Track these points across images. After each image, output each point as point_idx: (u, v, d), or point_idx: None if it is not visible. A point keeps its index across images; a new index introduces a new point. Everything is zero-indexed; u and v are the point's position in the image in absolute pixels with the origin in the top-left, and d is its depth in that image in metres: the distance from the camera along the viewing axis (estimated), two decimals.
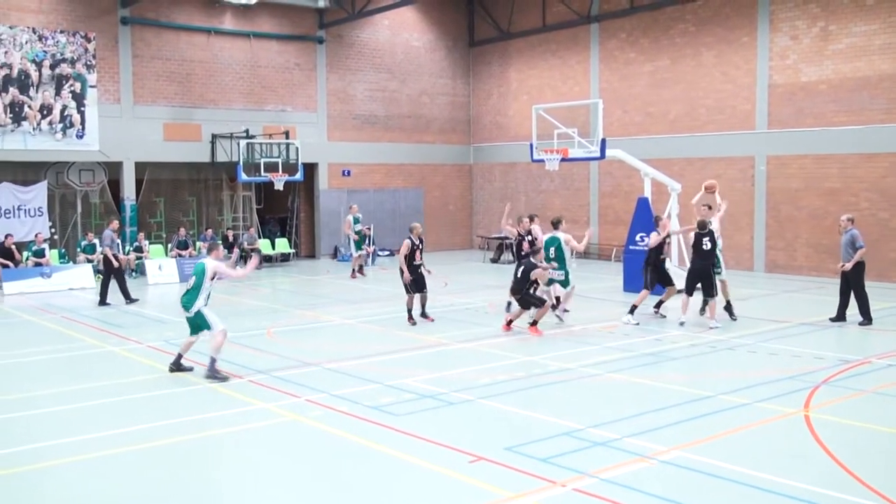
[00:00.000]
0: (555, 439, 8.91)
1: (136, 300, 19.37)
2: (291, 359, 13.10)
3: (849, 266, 15.57)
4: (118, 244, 20.35)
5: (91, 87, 25.07)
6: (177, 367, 12.18)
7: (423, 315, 16.30)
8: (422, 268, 16.07)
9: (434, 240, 31.87)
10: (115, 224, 20.29)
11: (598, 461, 8.24)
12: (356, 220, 24.54)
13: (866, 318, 15.47)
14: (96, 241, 24.39)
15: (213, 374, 11.72)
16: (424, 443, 8.85)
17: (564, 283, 16.21)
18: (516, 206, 30.40)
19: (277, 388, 11.23)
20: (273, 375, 11.93)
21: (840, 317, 15.90)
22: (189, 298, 11.91)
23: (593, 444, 8.75)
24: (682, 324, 15.50)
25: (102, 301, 18.96)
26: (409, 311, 16.07)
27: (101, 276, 19.56)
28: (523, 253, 16.12)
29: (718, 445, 8.72)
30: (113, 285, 19.07)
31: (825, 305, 18.10)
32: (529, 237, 16.52)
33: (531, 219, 17.06)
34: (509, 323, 15.22)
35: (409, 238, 16.04)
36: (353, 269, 24.11)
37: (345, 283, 22.87)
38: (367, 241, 27.14)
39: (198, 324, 12.01)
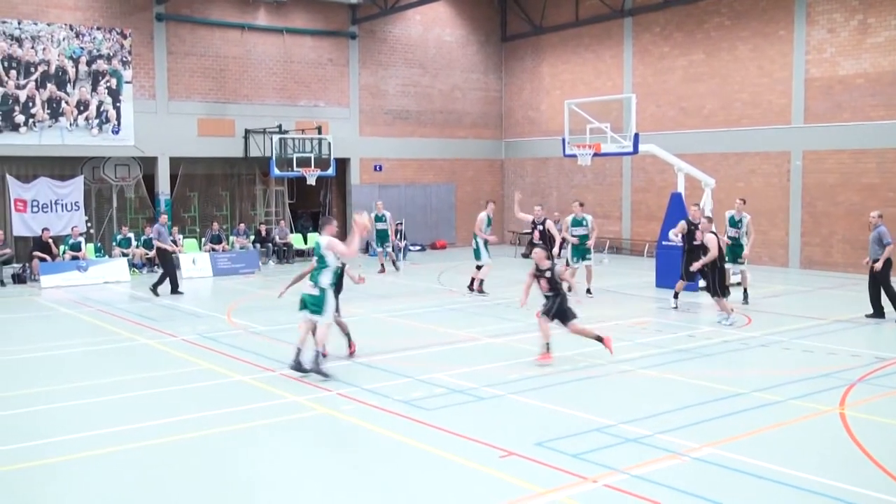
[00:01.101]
0: (585, 435, 8.89)
1: (183, 293, 19.83)
2: None
3: (879, 265, 15.36)
4: (166, 236, 20.98)
5: (126, 82, 25.36)
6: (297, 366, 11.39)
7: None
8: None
9: (465, 235, 31.84)
10: (164, 218, 21.44)
11: (630, 458, 8.20)
12: (378, 219, 23.62)
13: None
14: (131, 235, 24.73)
15: (317, 369, 11.27)
16: (455, 437, 8.86)
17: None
18: (548, 202, 30.35)
19: (309, 381, 11.29)
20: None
21: (877, 313, 15.69)
22: (315, 275, 11.55)
23: (625, 441, 8.71)
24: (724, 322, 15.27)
25: (155, 290, 19.54)
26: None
27: (161, 269, 20.56)
28: (535, 242, 16.43)
29: (751, 443, 8.65)
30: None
31: (861, 303, 17.85)
32: (541, 227, 16.90)
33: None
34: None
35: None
36: (382, 265, 24.06)
37: (376, 278, 22.93)
38: (398, 236, 27.28)
39: (314, 302, 11.43)
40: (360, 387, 10.96)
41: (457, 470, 8.02)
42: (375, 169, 30.27)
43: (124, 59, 25.29)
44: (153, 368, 12.30)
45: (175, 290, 19.84)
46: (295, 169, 25.64)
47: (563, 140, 20.77)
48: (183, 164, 27.32)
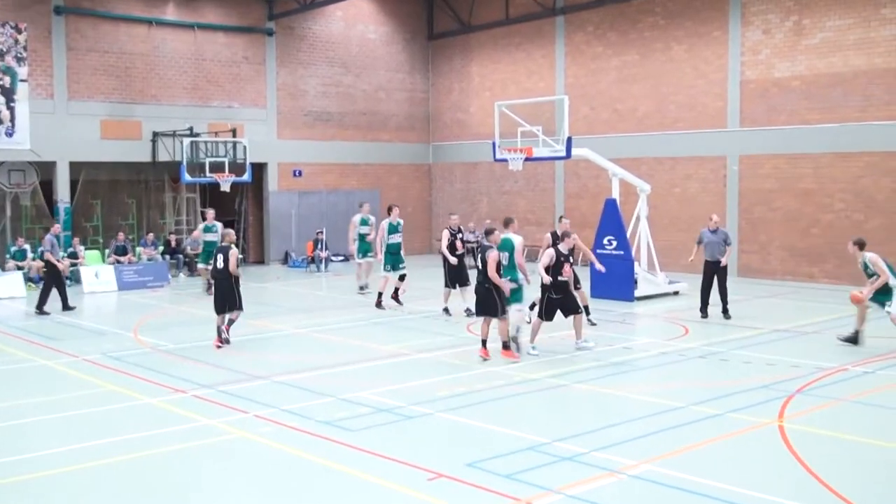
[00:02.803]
0: (519, 454, 8.94)
1: (74, 308, 19.21)
2: (238, 372, 13.00)
3: (724, 260, 17.26)
4: (57, 249, 20.17)
5: (22, 81, 24.67)
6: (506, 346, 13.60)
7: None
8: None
9: None
10: (57, 228, 20.52)
11: (565, 476, 8.28)
12: (363, 222, 21.29)
13: None
14: (27, 246, 24.03)
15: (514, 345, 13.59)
16: (381, 459, 8.83)
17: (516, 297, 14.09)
18: (478, 209, 30.54)
19: (224, 403, 11.14)
20: (219, 390, 11.83)
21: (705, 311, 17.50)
22: (510, 272, 13.83)
23: (559, 459, 8.79)
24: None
25: (40, 309, 18.75)
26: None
27: (42, 283, 19.67)
28: (457, 253, 17.46)
29: (690, 458, 8.82)
30: (53, 293, 18.93)
31: (800, 310, 18.42)
32: (461, 235, 17.45)
33: (560, 219, 17.38)
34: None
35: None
36: (364, 285, 21.58)
37: (296, 291, 22.76)
38: (319, 245, 27.13)
39: (516, 298, 13.73)
40: (278, 408, 10.84)
41: (383, 494, 7.99)
42: (294, 174, 30.05)
43: (19, 55, 24.61)
44: (53, 392, 11.97)
45: (66, 306, 19.11)
46: (207, 174, 25.27)
47: (494, 144, 20.92)
48: (84, 170, 26.71)
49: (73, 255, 24.19)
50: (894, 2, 21.37)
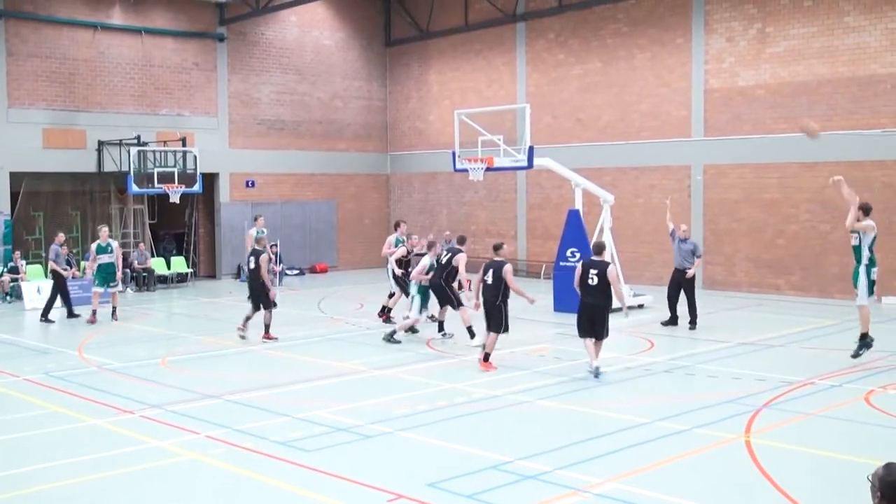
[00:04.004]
0: (481, 473, 8.96)
1: (79, 316, 20.16)
2: (189, 391, 12.88)
3: (691, 272, 17.81)
4: (62, 258, 20.99)
5: None
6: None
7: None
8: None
9: (348, 257, 31.79)
10: (61, 237, 21.28)
11: (528, 496, 8.31)
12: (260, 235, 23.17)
13: None
14: None
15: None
16: (339, 481, 8.79)
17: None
18: (438, 220, 30.57)
19: (174, 423, 11.02)
20: (168, 410, 11.71)
21: (673, 320, 17.99)
22: None
23: (523, 478, 8.82)
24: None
25: (45, 317, 19.96)
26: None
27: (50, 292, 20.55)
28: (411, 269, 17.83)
29: (656, 475, 8.89)
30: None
31: (766, 323, 18.67)
32: (414, 250, 18.75)
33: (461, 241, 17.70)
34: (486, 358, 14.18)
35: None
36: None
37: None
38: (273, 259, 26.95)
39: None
40: (231, 428, 10.76)
41: None
42: (247, 185, 29.88)
43: None
44: None
45: (71, 313, 20.35)
46: (156, 185, 25.06)
47: (454, 154, 20.99)
48: (26, 180, 26.35)
49: (14, 270, 23.84)
50: (857, 10, 21.83)
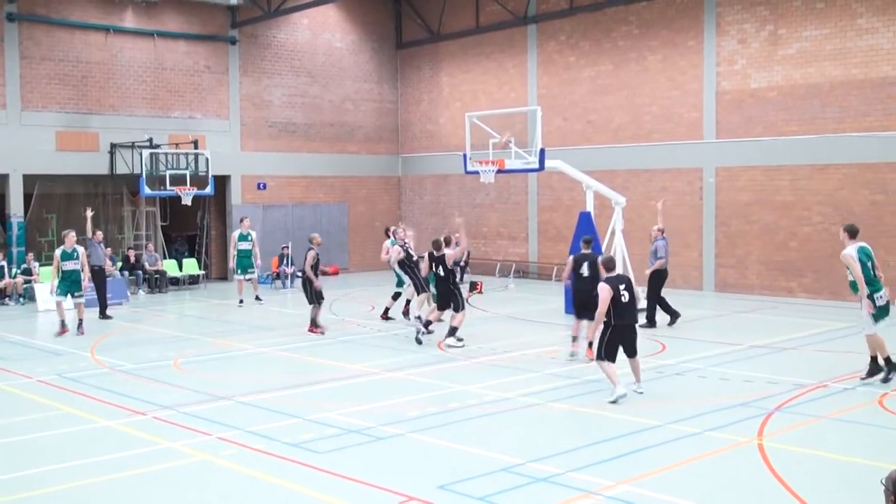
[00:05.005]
0: (492, 476, 8.94)
1: (112, 318, 20.42)
2: (201, 392, 12.91)
3: (648, 272, 18.19)
4: (104, 254, 21.37)
5: None
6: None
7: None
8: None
9: (359, 260, 31.79)
10: (99, 235, 21.45)
11: (540, 498, 8.29)
12: (242, 238, 23.25)
13: None
14: None
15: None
16: (350, 483, 8.79)
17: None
18: (449, 222, 30.54)
19: (185, 425, 11.05)
20: (180, 411, 11.74)
21: (651, 323, 18.11)
22: None
23: (534, 480, 8.80)
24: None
25: (104, 313, 20.48)
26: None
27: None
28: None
29: (668, 478, 8.85)
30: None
31: (779, 326, 18.60)
32: (407, 245, 18.78)
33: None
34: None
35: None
36: (241, 296, 23.07)
37: (261, 308, 22.65)
38: (284, 261, 27.01)
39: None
40: (242, 429, 10.77)
41: None
42: (259, 187, 29.94)
43: None
44: (5, 415, 11.81)
45: (104, 314, 20.52)
46: (168, 187, 25.12)
47: (465, 156, 20.98)
48: (39, 183, 26.44)
49: (27, 272, 23.94)
50: (870, 11, 21.73)
